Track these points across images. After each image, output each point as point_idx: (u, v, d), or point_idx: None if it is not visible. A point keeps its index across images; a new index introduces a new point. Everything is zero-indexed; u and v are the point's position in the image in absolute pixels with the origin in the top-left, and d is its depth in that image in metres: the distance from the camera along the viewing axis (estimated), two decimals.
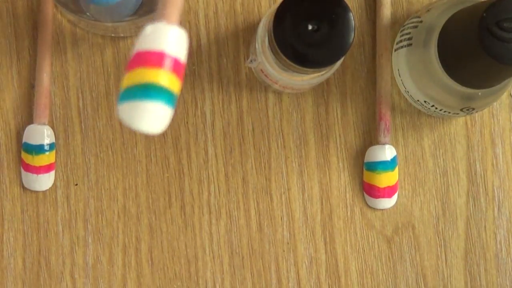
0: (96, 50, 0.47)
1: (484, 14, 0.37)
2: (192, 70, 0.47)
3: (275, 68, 0.42)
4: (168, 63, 0.28)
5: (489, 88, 0.43)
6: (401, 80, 0.47)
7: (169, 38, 0.28)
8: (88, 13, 0.41)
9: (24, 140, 0.46)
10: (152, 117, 0.27)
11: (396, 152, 0.48)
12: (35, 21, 0.47)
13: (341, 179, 0.48)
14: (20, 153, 0.47)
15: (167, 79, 0.28)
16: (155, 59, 0.28)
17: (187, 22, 0.47)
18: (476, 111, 0.45)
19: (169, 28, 0.29)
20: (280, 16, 0.39)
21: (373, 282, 0.48)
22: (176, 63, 0.28)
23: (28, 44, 0.47)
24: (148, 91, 0.27)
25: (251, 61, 0.44)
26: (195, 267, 0.47)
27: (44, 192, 0.47)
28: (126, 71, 0.28)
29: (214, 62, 0.48)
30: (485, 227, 0.49)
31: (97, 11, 0.41)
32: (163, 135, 0.47)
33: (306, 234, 0.48)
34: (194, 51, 0.48)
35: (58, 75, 0.47)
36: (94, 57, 0.47)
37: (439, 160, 0.49)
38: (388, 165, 0.47)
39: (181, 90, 0.47)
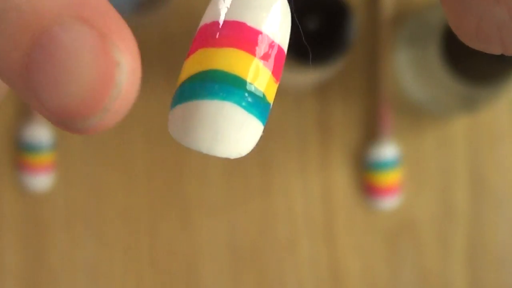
0: None
1: None
2: None
3: None
4: (267, 51, 0.17)
5: (489, 87, 0.43)
6: (402, 79, 0.46)
7: (273, 13, 0.17)
8: None
9: (23, 139, 0.46)
10: (234, 132, 0.17)
11: (398, 151, 0.48)
12: None
13: (342, 179, 0.48)
14: (19, 153, 0.47)
15: (265, 77, 0.17)
16: (249, 38, 0.17)
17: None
18: (477, 110, 0.45)
19: None
20: None
21: (374, 281, 0.48)
22: (279, 55, 0.18)
23: None
24: (232, 88, 0.17)
25: None
26: (195, 267, 0.47)
27: (43, 192, 0.47)
28: (192, 52, 0.18)
29: None
30: (487, 227, 0.48)
31: None
32: (163, 134, 0.47)
33: (307, 234, 0.48)
34: None
35: None
36: None
37: (440, 160, 0.48)
38: (390, 165, 0.47)
39: None
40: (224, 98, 0.17)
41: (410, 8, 0.48)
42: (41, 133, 0.46)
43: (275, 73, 0.18)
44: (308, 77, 0.43)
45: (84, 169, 0.47)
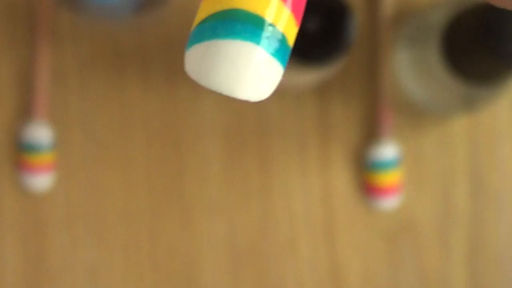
0: (96, 47, 0.47)
1: (488, 14, 0.38)
2: None
3: None
4: None
5: (489, 87, 0.43)
6: (402, 79, 0.46)
7: None
8: (87, 12, 0.41)
9: (22, 139, 0.46)
10: (255, 74, 0.16)
11: (398, 151, 0.48)
12: (34, 17, 0.47)
13: (342, 179, 0.48)
14: (19, 153, 0.47)
15: (286, 18, 0.17)
16: None
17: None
18: (477, 110, 0.45)
19: None
20: None
21: (374, 282, 0.48)
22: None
23: (27, 41, 0.47)
24: (255, 28, 0.16)
25: None
26: (195, 267, 0.47)
27: (43, 192, 0.47)
28: None
29: None
30: (487, 227, 0.48)
31: (96, 10, 0.41)
32: (163, 134, 0.47)
33: (307, 234, 0.48)
34: None
35: (57, 73, 0.47)
36: (94, 54, 0.47)
37: (440, 160, 0.48)
38: (389, 165, 0.47)
39: (181, 89, 0.47)
40: (246, 39, 0.16)
41: (410, 8, 0.48)
42: (41, 133, 0.46)
43: (296, 17, 0.17)
44: (308, 77, 0.43)
45: (84, 169, 0.47)
